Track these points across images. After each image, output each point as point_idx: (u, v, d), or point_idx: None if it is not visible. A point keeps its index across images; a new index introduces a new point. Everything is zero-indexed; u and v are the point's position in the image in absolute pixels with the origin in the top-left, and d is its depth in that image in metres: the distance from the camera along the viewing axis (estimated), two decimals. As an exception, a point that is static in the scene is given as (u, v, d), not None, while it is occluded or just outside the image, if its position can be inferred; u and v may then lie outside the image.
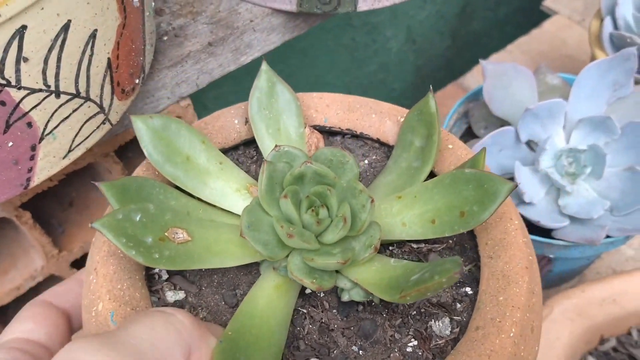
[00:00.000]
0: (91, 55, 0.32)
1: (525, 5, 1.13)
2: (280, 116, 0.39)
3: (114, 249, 0.32)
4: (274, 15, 0.45)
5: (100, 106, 0.34)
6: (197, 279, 0.34)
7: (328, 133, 0.42)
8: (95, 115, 0.34)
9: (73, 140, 0.33)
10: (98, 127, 0.35)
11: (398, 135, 0.39)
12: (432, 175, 0.38)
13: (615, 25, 0.53)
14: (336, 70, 0.94)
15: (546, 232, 0.44)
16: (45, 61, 0.29)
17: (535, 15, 0.97)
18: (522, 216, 0.44)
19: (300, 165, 0.31)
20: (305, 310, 0.33)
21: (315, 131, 0.40)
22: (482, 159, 0.35)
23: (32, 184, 0.33)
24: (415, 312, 0.33)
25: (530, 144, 0.48)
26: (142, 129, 0.34)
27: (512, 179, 0.47)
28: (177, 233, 0.31)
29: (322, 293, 0.34)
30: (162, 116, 0.34)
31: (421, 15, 0.98)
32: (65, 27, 0.29)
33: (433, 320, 0.33)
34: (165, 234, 0.30)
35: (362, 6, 0.42)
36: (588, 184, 0.45)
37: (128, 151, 0.54)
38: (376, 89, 1.04)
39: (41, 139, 0.32)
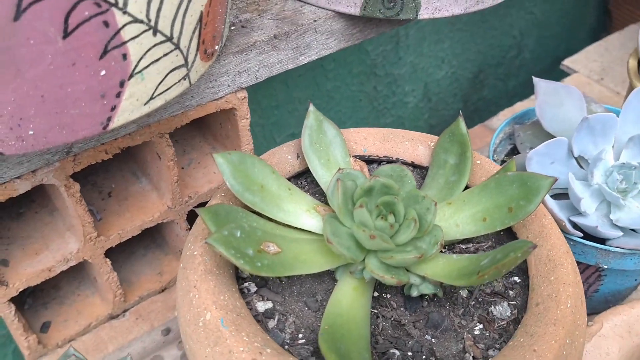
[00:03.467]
0: (189, 1, 0.32)
1: (546, 68, 1.21)
2: (329, 148, 0.44)
3: (209, 268, 0.36)
4: (335, 20, 0.49)
5: (186, 59, 0.35)
6: (280, 290, 0.38)
7: (367, 161, 0.47)
8: (179, 67, 0.34)
9: (157, 88, 0.33)
10: (179, 81, 0.35)
11: (432, 157, 0.45)
12: (466, 188, 0.44)
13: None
14: (356, 117, 1.00)
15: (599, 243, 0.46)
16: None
17: (557, 78, 1.05)
18: (577, 225, 0.47)
19: (370, 179, 0.36)
20: (376, 311, 0.38)
21: (358, 159, 0.46)
22: (513, 166, 0.41)
23: (112, 125, 0.32)
24: (474, 302, 0.38)
25: (579, 162, 0.51)
26: (223, 163, 0.38)
27: (562, 194, 0.50)
28: (269, 246, 0.35)
29: (388, 295, 0.38)
30: (238, 152, 0.39)
31: (438, 75, 1.04)
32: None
33: (492, 306, 0.37)
34: (261, 247, 0.34)
35: (424, 14, 0.46)
36: (637, 201, 0.47)
37: (179, 147, 0.57)
38: None
39: (131, 75, 0.31)
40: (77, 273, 0.57)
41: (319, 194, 0.45)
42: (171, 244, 0.58)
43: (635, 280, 0.50)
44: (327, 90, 0.94)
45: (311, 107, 0.45)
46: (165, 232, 0.58)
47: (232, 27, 0.47)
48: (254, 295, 0.37)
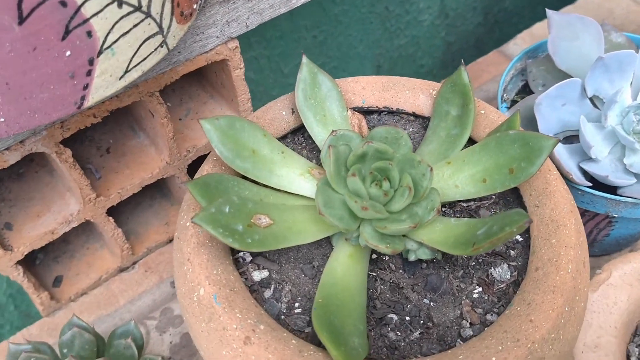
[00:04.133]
0: None
1: None
2: (324, 103, 0.42)
3: (202, 240, 0.35)
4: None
5: (160, 26, 0.33)
6: (276, 257, 0.37)
7: (366, 112, 0.45)
8: (154, 35, 0.33)
9: (131, 60, 0.32)
10: (155, 50, 0.33)
11: (433, 107, 0.43)
12: (470, 141, 0.42)
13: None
14: (367, 40, 0.95)
15: (611, 191, 0.44)
16: (111, -39, 0.27)
17: None
18: (587, 172, 0.45)
19: (362, 145, 0.34)
20: (374, 274, 0.37)
21: (356, 112, 0.44)
22: (517, 120, 0.38)
23: (86, 103, 0.31)
24: (474, 263, 0.37)
25: (594, 101, 0.47)
26: (211, 129, 0.37)
27: (573, 136, 0.47)
28: (260, 219, 0.34)
29: (387, 257, 0.38)
30: (226, 116, 0.37)
31: None
32: None
33: (492, 267, 0.37)
34: (252, 220, 0.34)
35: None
36: None
37: (167, 100, 0.54)
38: (405, 63, 1.05)
39: (100, 52, 0.30)
40: (85, 227, 0.57)
41: (317, 150, 0.43)
42: (175, 195, 0.58)
43: (648, 223, 0.48)
44: (334, 15, 0.90)
45: (304, 59, 0.42)
46: (168, 183, 0.57)
47: (217, -26, 0.44)
48: (250, 264, 0.37)
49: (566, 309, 0.32)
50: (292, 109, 0.43)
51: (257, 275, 0.36)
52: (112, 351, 0.38)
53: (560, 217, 0.36)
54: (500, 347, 0.30)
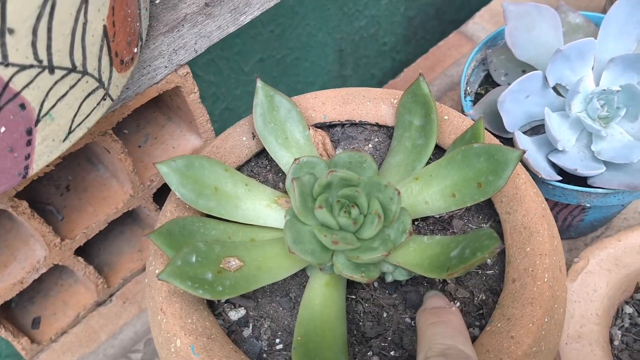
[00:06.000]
0: (85, 23, 0.29)
1: None
2: (285, 125, 0.41)
3: (173, 288, 0.34)
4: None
5: (100, 80, 0.31)
6: (251, 293, 0.37)
7: (329, 127, 0.44)
8: (94, 90, 0.32)
9: (73, 121, 0.31)
10: (99, 104, 0.32)
11: (396, 117, 0.42)
12: (436, 147, 0.41)
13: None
14: (326, 27, 0.94)
15: (582, 181, 0.44)
16: (34, 32, 0.26)
17: None
18: (556, 165, 0.44)
19: (326, 175, 0.33)
20: (354, 296, 0.37)
21: (318, 129, 0.42)
22: (481, 127, 0.38)
23: (31, 171, 0.30)
24: (451, 279, 0.37)
25: (557, 89, 0.47)
26: (169, 173, 0.36)
27: (540, 126, 0.47)
28: (229, 262, 0.33)
29: (365, 278, 0.37)
30: (183, 156, 0.36)
31: None
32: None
33: (470, 279, 0.36)
34: (221, 265, 0.33)
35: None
36: (622, 127, 0.44)
37: (123, 128, 0.52)
38: (367, 44, 1.04)
39: (37, 121, 0.29)
40: (55, 267, 0.56)
41: (283, 173, 0.42)
42: (145, 220, 0.57)
43: (622, 206, 0.48)
44: (290, 6, 0.87)
45: (259, 83, 0.41)
46: (137, 210, 0.56)
47: (157, 1, 0.42)
48: (225, 304, 0.36)
49: (546, 319, 0.32)
50: (253, 133, 0.42)
51: (234, 315, 0.36)
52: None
53: (533, 224, 0.35)
54: (484, 370, 0.30)
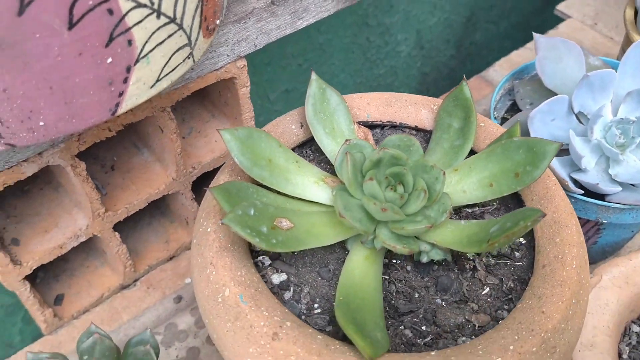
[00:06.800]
0: None
1: (537, 9, 1.20)
2: (333, 116, 0.44)
3: (224, 244, 0.37)
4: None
5: (189, 38, 0.35)
6: (293, 261, 0.39)
7: (370, 127, 0.47)
8: (183, 46, 0.34)
9: (162, 69, 0.33)
10: (184, 61, 0.35)
11: (435, 121, 0.45)
12: (470, 152, 0.44)
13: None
14: (349, 69, 0.99)
15: (598, 199, 0.47)
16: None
17: (549, 20, 1.01)
18: (577, 181, 0.48)
19: (378, 151, 0.36)
20: (387, 277, 0.39)
21: (362, 126, 0.46)
22: (517, 130, 0.41)
23: (120, 110, 0.32)
24: (480, 266, 0.39)
25: (578, 117, 0.51)
26: (231, 140, 0.38)
27: (562, 150, 0.50)
28: (282, 222, 0.36)
29: (398, 261, 0.39)
30: (245, 128, 0.39)
31: (431, 21, 1.03)
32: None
33: (499, 268, 0.39)
34: (274, 223, 0.35)
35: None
36: (635, 155, 0.49)
37: (177, 115, 0.56)
38: (383, 92, 1.10)
39: (137, 60, 0.31)
40: (85, 245, 0.57)
41: (325, 162, 0.45)
42: (176, 212, 0.59)
43: (632, 232, 0.51)
44: (319, 44, 0.93)
45: (313, 75, 0.44)
46: (169, 201, 0.58)
47: (229, -5, 0.46)
48: (269, 268, 0.38)
49: (573, 301, 0.34)
50: (301, 123, 0.45)
51: (277, 278, 0.38)
52: (131, 358, 0.38)
53: (562, 219, 0.38)
54: (516, 337, 0.32)
